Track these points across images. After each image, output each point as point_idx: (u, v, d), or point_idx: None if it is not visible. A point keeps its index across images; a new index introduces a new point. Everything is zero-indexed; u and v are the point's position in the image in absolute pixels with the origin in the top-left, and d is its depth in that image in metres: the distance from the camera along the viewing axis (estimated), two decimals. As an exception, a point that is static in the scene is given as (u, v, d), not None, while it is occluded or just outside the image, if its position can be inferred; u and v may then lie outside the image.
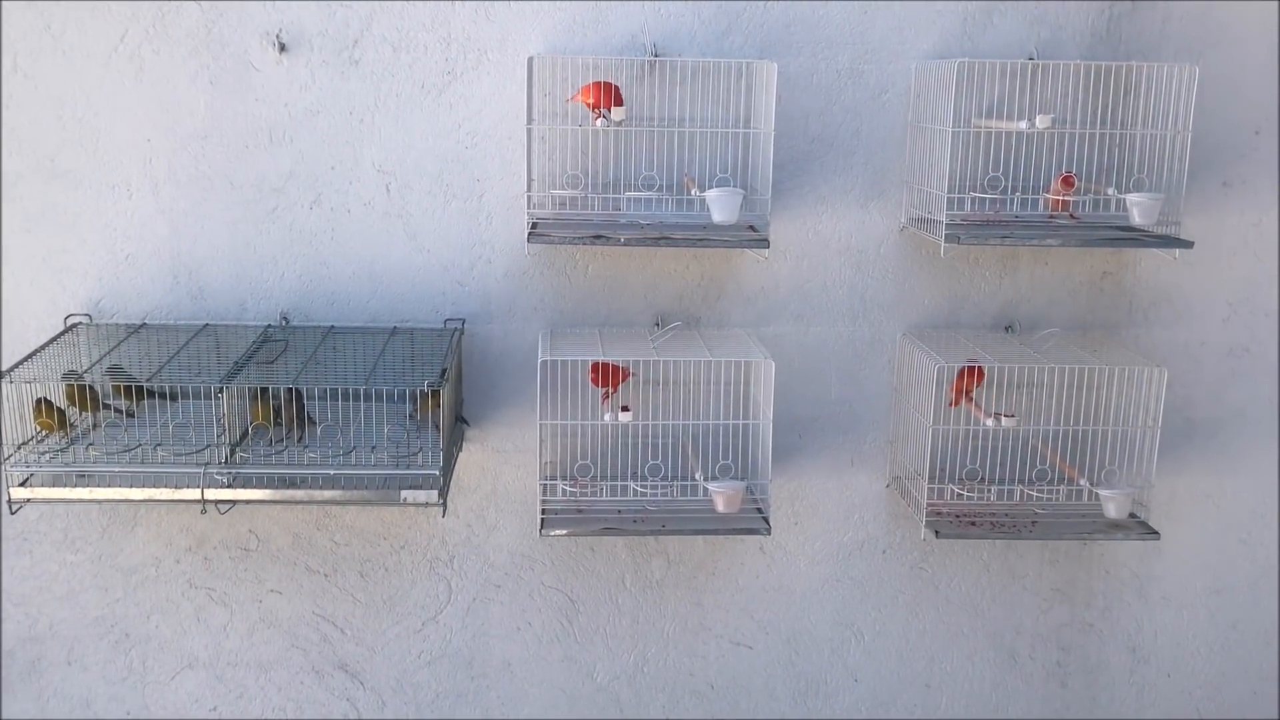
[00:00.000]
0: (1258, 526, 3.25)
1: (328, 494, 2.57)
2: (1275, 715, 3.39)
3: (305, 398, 2.68)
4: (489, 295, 2.96)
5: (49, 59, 2.78)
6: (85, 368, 2.64)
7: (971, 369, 2.82)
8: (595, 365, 2.78)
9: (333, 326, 2.92)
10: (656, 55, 2.82)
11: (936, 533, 2.80)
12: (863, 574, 3.20)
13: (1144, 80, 2.84)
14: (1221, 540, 3.25)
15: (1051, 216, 2.86)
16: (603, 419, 2.74)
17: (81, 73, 2.79)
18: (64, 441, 2.63)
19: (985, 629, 3.26)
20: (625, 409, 2.73)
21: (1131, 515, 2.84)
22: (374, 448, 2.61)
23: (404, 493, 2.54)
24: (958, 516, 2.87)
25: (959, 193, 2.79)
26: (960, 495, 2.93)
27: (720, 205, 2.68)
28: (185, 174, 2.85)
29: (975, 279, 3.03)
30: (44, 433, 2.64)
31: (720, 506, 2.72)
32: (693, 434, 2.94)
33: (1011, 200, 2.86)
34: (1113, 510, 2.81)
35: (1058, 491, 2.92)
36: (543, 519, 2.74)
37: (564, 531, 2.76)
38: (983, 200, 2.84)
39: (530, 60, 2.71)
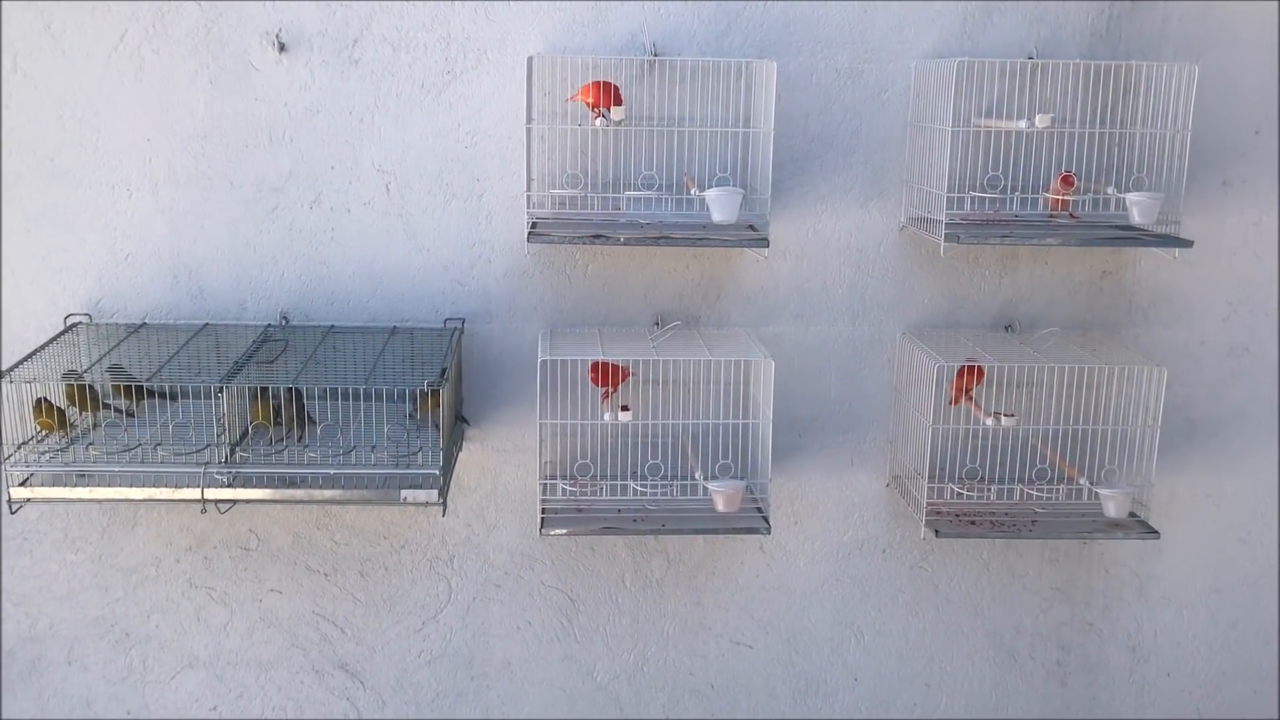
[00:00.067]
0: (1258, 526, 3.25)
1: (328, 493, 2.57)
2: (1275, 715, 3.39)
3: (305, 397, 2.68)
4: (489, 295, 2.96)
5: (49, 59, 2.78)
6: (85, 367, 2.64)
7: (971, 368, 2.82)
8: (595, 365, 2.78)
9: (333, 326, 2.92)
10: (656, 55, 2.82)
11: (936, 532, 2.80)
12: (862, 573, 3.20)
13: (1144, 79, 2.84)
14: (1221, 540, 3.25)
15: (1051, 216, 2.86)
16: (602, 418, 2.74)
17: (81, 72, 2.79)
18: (64, 441, 2.63)
19: (985, 628, 3.26)
20: (625, 408, 2.73)
21: (1131, 514, 2.84)
22: (374, 447, 2.61)
23: (404, 492, 2.54)
24: (957, 516, 2.87)
25: (959, 192, 2.79)
26: (960, 494, 2.93)
27: (720, 205, 2.68)
28: (185, 173, 2.85)
29: (975, 278, 3.03)
30: (44, 432, 2.64)
31: (720, 506, 2.72)
32: (692, 433, 2.94)
33: (1011, 199, 2.86)
34: (1113, 509, 2.81)
35: (1057, 491, 2.92)
36: (543, 518, 2.74)
37: (564, 531, 2.76)
38: (982, 200, 2.84)
39: (530, 60, 2.71)
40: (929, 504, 2.84)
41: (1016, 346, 2.93)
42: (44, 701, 3.13)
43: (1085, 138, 2.86)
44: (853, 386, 3.07)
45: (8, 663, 3.10)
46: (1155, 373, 2.82)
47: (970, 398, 2.89)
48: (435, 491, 2.54)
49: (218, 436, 2.56)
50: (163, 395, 2.78)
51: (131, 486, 2.52)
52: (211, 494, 2.51)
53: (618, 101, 2.69)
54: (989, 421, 2.81)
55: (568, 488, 2.87)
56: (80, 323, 2.87)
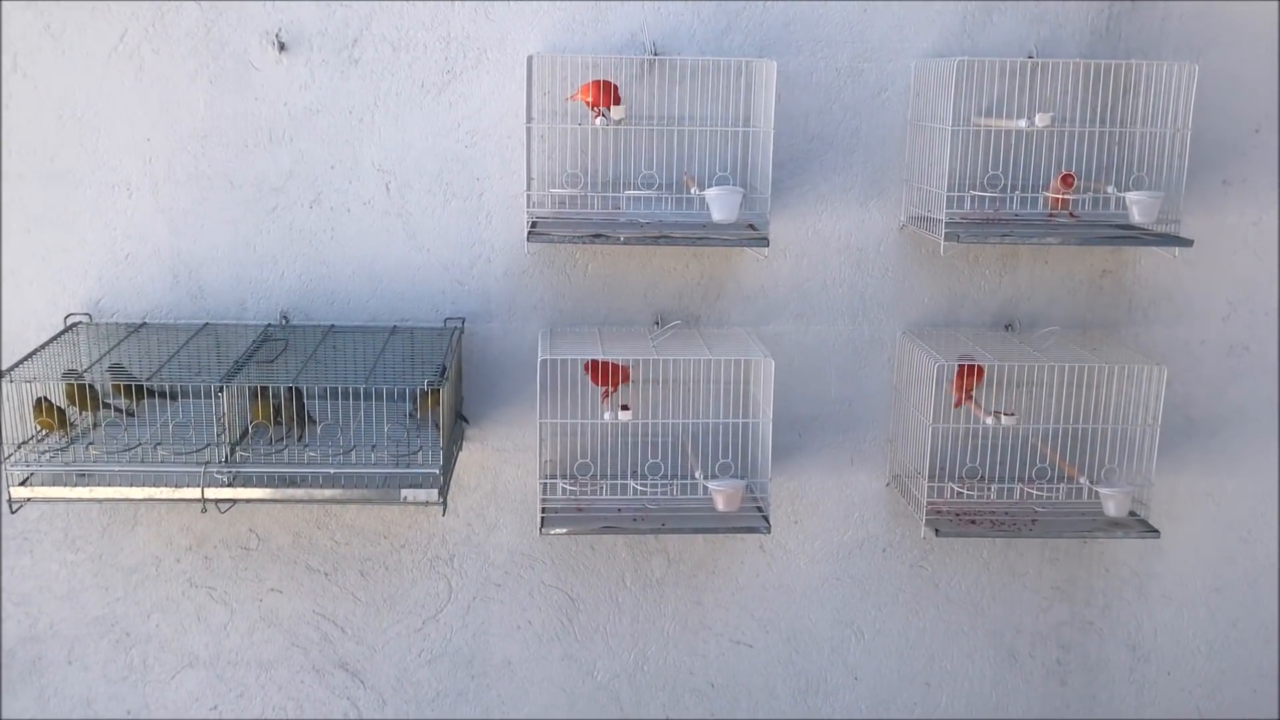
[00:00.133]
0: (1258, 525, 3.25)
1: (328, 493, 2.57)
2: (1276, 714, 3.39)
3: (305, 397, 2.69)
4: (489, 294, 2.96)
5: (49, 59, 2.78)
6: (85, 367, 2.64)
7: (971, 368, 2.82)
8: (589, 364, 2.78)
9: (333, 325, 2.92)
10: (656, 54, 2.82)
11: (936, 531, 2.80)
12: (863, 572, 3.20)
13: (1144, 78, 2.84)
14: (1222, 538, 3.25)
15: (1051, 215, 2.86)
16: (602, 418, 2.74)
17: (81, 72, 2.79)
18: (64, 441, 2.63)
19: (985, 627, 3.26)
20: (625, 408, 2.73)
21: (1131, 513, 2.84)
22: (374, 446, 2.62)
23: (404, 491, 2.54)
24: (957, 515, 2.87)
25: (959, 191, 2.79)
26: (960, 494, 2.93)
27: (720, 204, 2.68)
28: (185, 173, 2.85)
29: (975, 277, 3.03)
30: (44, 432, 2.64)
31: (720, 505, 2.72)
32: (692, 432, 2.94)
33: (1011, 198, 2.85)
34: (1113, 508, 2.81)
35: (1058, 490, 2.92)
36: (543, 517, 2.74)
37: (564, 530, 2.76)
38: (982, 199, 2.84)
39: (530, 59, 2.71)
40: (929, 503, 2.84)
41: (1016, 345, 2.92)
42: (44, 701, 3.14)
43: (1085, 137, 2.86)
44: (853, 386, 3.07)
45: (8, 662, 3.10)
46: (1155, 372, 2.82)
47: (970, 397, 2.89)
48: (435, 491, 2.54)
49: (218, 436, 2.56)
50: (163, 395, 2.78)
51: (132, 486, 2.52)
52: (212, 493, 2.51)
53: (617, 100, 2.68)
54: (989, 420, 2.81)
55: (568, 487, 2.87)
56: (80, 322, 2.87)
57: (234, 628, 3.11)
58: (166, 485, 2.52)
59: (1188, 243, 2.73)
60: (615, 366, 2.80)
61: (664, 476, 2.87)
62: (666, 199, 2.84)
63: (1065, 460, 2.95)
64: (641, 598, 3.17)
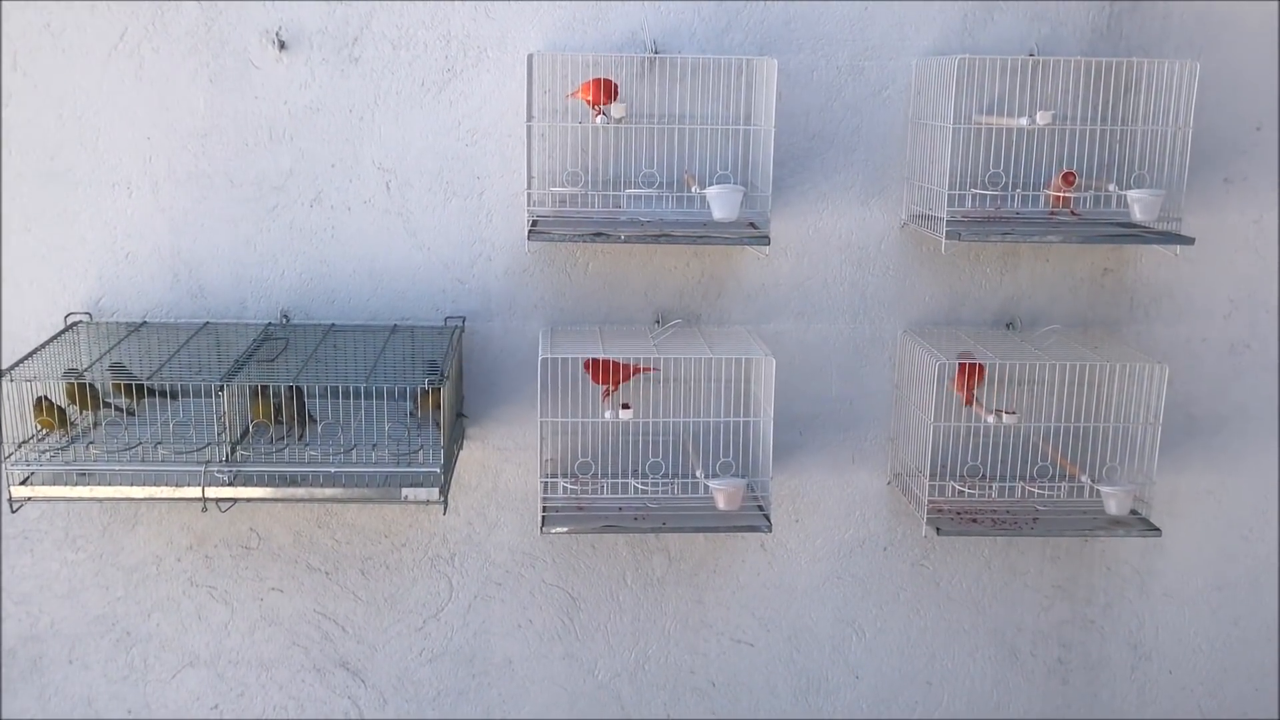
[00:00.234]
0: (1259, 523, 3.25)
1: (328, 492, 2.57)
2: (1277, 712, 3.39)
3: (306, 395, 2.68)
4: (489, 293, 2.96)
5: (48, 57, 2.78)
6: (85, 366, 2.64)
7: (972, 366, 2.82)
8: (588, 362, 2.78)
9: (333, 324, 2.91)
10: (656, 52, 2.82)
11: (937, 530, 2.80)
12: (864, 571, 3.20)
13: (1145, 76, 2.84)
14: (1223, 537, 3.24)
15: (1052, 213, 2.86)
16: (603, 416, 2.74)
17: (81, 71, 2.79)
18: (64, 440, 2.63)
19: (986, 626, 3.26)
20: (626, 406, 2.73)
21: (1133, 512, 2.83)
22: (375, 445, 2.61)
23: (405, 490, 2.54)
24: (959, 513, 2.87)
25: (960, 189, 2.79)
26: (961, 492, 2.92)
27: (720, 202, 2.68)
28: (185, 172, 2.85)
29: (976, 276, 3.03)
30: (44, 431, 2.64)
31: (721, 504, 2.72)
32: (693, 431, 2.94)
33: (1012, 197, 2.85)
34: (1114, 507, 2.80)
35: (1059, 488, 2.92)
36: (543, 516, 2.74)
37: (565, 529, 2.76)
38: (983, 197, 2.84)
39: (530, 57, 2.71)
40: (930, 502, 2.84)
41: (1018, 344, 2.92)
42: (45, 700, 3.13)
43: (1086, 135, 2.86)
44: (854, 384, 3.07)
45: (9, 662, 3.10)
46: (1156, 370, 2.81)
47: (972, 396, 2.88)
48: (436, 490, 2.54)
49: (218, 435, 2.56)
50: (163, 394, 2.78)
51: (132, 485, 2.52)
52: (212, 492, 2.51)
53: (615, 96, 2.68)
54: (990, 419, 2.80)
55: (568, 486, 2.86)
56: (80, 321, 2.87)
57: (235, 627, 3.11)
58: (167, 484, 2.52)
59: (1189, 241, 2.73)
60: (616, 365, 2.80)
61: (665, 475, 2.87)
62: (667, 197, 2.84)
63: (1066, 459, 2.95)
64: (642, 596, 3.17)
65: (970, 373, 2.82)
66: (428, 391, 2.63)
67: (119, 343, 2.74)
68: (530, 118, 2.71)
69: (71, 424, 2.69)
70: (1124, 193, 2.74)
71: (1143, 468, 2.85)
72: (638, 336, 2.89)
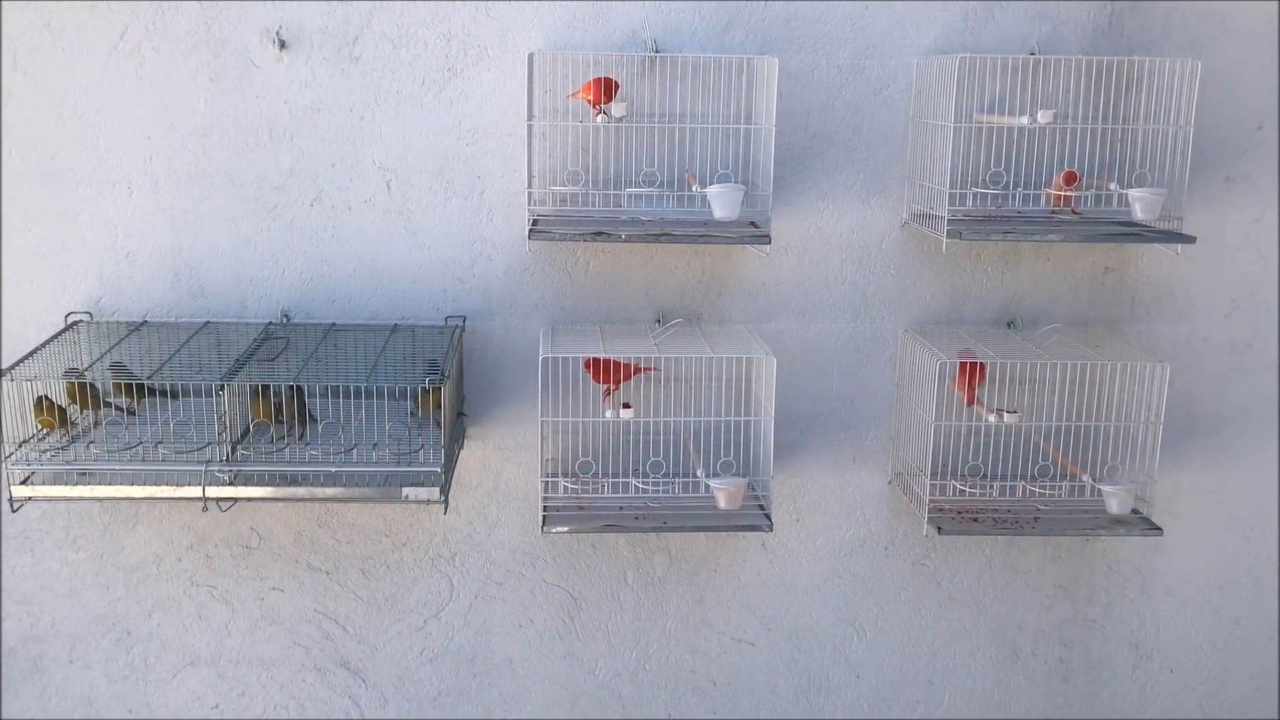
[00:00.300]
0: (1260, 522, 3.24)
1: (329, 491, 2.56)
2: (1277, 712, 3.38)
3: (306, 395, 2.68)
4: (490, 292, 2.95)
5: (49, 57, 2.77)
6: (86, 365, 2.63)
7: (974, 365, 2.82)
8: (589, 362, 2.77)
9: (334, 324, 2.91)
10: (657, 51, 2.82)
11: (939, 529, 2.80)
12: (865, 570, 3.20)
13: (1146, 75, 2.84)
14: (1224, 536, 3.24)
15: (1053, 212, 2.86)
16: (604, 416, 2.74)
17: (81, 70, 2.78)
18: (65, 439, 2.63)
19: (987, 625, 3.26)
20: (626, 405, 2.73)
21: (1134, 511, 2.83)
22: (375, 445, 2.61)
23: (405, 490, 2.54)
24: (960, 513, 2.87)
25: (961, 188, 2.78)
26: (962, 491, 2.92)
27: (721, 201, 2.68)
28: (185, 171, 2.85)
29: (977, 275, 3.03)
30: (45, 431, 2.64)
31: (722, 503, 2.72)
32: (694, 430, 2.94)
33: (1013, 195, 2.85)
34: (1115, 506, 2.80)
35: (1060, 487, 2.91)
36: (544, 516, 2.73)
37: (565, 528, 2.75)
38: (984, 196, 2.84)
39: (530, 57, 2.71)
40: (931, 501, 2.84)
41: (1019, 343, 2.92)
42: (45, 700, 3.13)
43: (1087, 133, 2.85)
44: (855, 383, 3.06)
45: (9, 661, 3.10)
46: (1158, 369, 2.81)
47: (974, 396, 2.88)
48: (437, 489, 2.53)
49: (219, 434, 2.56)
50: (164, 393, 2.78)
51: (133, 485, 2.52)
52: (213, 492, 2.51)
53: (615, 94, 2.68)
54: (991, 418, 2.80)
55: (569, 485, 2.86)
56: (81, 321, 2.87)
57: (235, 626, 3.11)
58: (167, 484, 2.52)
59: (1190, 239, 2.73)
60: (616, 364, 2.80)
61: (666, 474, 2.87)
62: (668, 196, 2.84)
63: (1067, 458, 2.95)
64: (643, 596, 3.17)
65: (971, 372, 2.81)
66: (428, 391, 2.63)
67: (119, 342, 2.74)
68: (531, 117, 2.71)
69: (72, 423, 2.69)
70: (1125, 192, 2.74)
71: (1144, 467, 2.85)
72: (638, 336, 2.89)
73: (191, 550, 3.06)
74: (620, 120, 2.70)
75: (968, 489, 2.93)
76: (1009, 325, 3.05)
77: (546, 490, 2.81)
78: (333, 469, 2.56)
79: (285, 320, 2.92)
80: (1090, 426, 2.96)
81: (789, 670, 3.26)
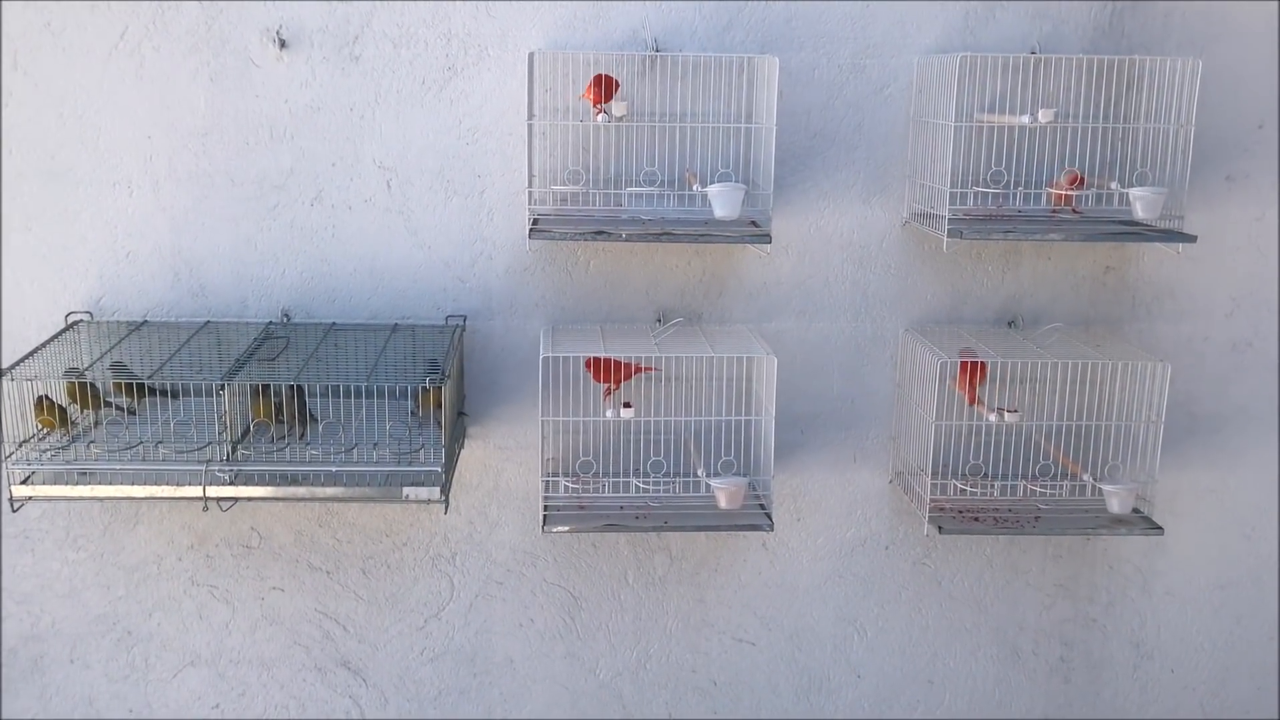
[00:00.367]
0: (1261, 522, 3.24)
1: (330, 491, 2.56)
2: (1278, 712, 3.38)
3: (307, 395, 2.68)
4: (490, 291, 2.95)
5: (49, 57, 2.77)
6: (86, 365, 2.63)
7: (975, 365, 2.81)
8: (589, 361, 2.77)
9: (334, 323, 2.91)
10: (658, 50, 2.82)
11: (939, 528, 2.80)
12: (865, 570, 3.19)
13: (1147, 74, 2.83)
14: (1225, 535, 3.24)
15: (1054, 211, 2.86)
16: (605, 415, 2.73)
17: (82, 70, 2.78)
18: (65, 439, 2.63)
19: (988, 625, 3.26)
20: (627, 405, 2.73)
21: (1135, 510, 2.83)
22: (376, 445, 2.61)
23: (406, 489, 2.54)
24: (960, 512, 2.86)
25: (961, 188, 2.78)
26: (963, 491, 2.92)
27: (722, 201, 2.68)
28: (186, 171, 2.85)
29: (978, 274, 3.02)
30: (45, 430, 2.64)
31: (723, 503, 2.72)
32: (695, 430, 2.94)
33: (1014, 195, 2.85)
34: (1116, 505, 2.80)
35: (1061, 487, 2.91)
36: (545, 515, 2.73)
37: (566, 528, 2.75)
38: (985, 195, 2.83)
39: (531, 56, 2.71)
40: (932, 500, 2.84)
41: (1019, 342, 2.92)
42: (46, 700, 3.13)
43: (1088, 133, 2.85)
44: (855, 383, 3.06)
45: (10, 661, 3.10)
46: (1159, 368, 2.81)
47: (975, 395, 2.88)
48: (437, 489, 2.53)
49: (219, 434, 2.56)
50: (164, 393, 2.78)
51: (133, 484, 2.52)
52: (213, 492, 2.51)
53: (615, 90, 2.68)
54: (992, 417, 2.80)
55: (570, 485, 2.86)
56: (81, 320, 2.87)
57: (236, 626, 3.11)
58: (168, 484, 2.51)
59: (1191, 239, 2.73)
60: (617, 363, 2.79)
61: (666, 474, 2.87)
62: (668, 196, 2.84)
63: (1068, 457, 2.94)
64: (644, 596, 3.17)
65: (972, 371, 2.81)
66: (429, 390, 2.63)
67: (120, 342, 2.74)
68: (531, 116, 2.71)
69: (72, 423, 2.68)
70: (1126, 191, 2.74)
71: (1145, 466, 2.85)
72: (639, 335, 2.89)
73: (192, 550, 3.06)
74: (621, 119, 2.70)
75: (968, 488, 2.92)
76: (1010, 325, 3.05)
77: (547, 490, 2.80)
78: (333, 468, 2.56)
79: (285, 320, 2.92)
80: (1091, 426, 2.96)
81: (790, 670, 3.26)
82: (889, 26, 2.87)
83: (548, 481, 2.81)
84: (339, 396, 2.64)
